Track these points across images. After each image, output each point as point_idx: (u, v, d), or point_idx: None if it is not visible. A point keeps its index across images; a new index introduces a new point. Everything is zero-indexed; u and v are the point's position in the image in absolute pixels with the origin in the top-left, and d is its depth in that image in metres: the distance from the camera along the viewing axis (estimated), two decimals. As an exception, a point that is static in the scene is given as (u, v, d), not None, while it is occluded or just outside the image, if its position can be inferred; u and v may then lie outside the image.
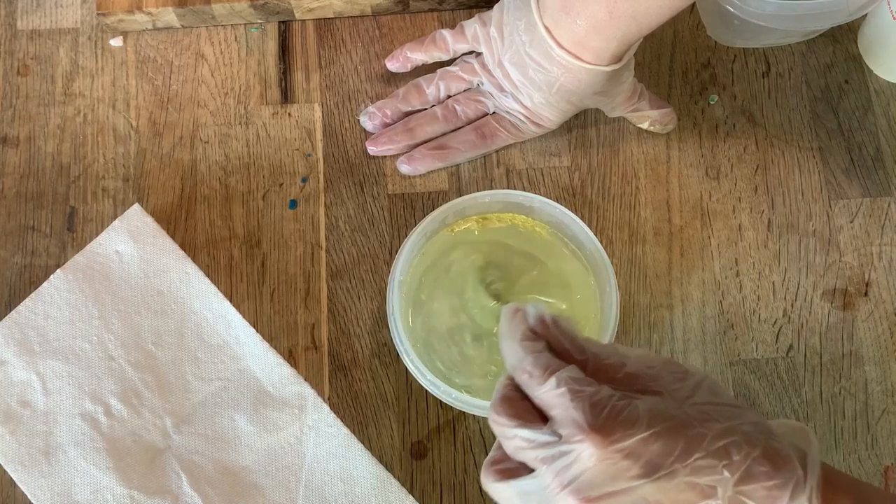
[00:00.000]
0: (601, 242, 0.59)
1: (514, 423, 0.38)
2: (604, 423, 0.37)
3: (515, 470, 0.39)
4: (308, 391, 0.60)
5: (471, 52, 0.66)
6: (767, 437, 0.39)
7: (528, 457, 0.38)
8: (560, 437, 0.37)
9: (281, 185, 0.66)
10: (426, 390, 0.58)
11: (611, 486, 0.36)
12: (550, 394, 0.38)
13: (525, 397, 0.39)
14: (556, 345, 0.40)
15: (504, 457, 0.40)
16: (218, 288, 0.61)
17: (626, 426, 0.37)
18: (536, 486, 0.38)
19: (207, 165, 0.66)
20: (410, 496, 0.58)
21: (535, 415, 0.39)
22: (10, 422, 0.58)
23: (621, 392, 0.38)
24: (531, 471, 0.38)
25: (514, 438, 0.38)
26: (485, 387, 0.58)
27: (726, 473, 0.37)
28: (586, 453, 0.36)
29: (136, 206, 0.62)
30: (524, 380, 0.39)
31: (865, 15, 0.65)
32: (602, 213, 0.65)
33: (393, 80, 0.68)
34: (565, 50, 0.57)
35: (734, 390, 0.62)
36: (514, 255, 0.62)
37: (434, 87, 0.65)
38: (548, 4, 0.57)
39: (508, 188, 0.65)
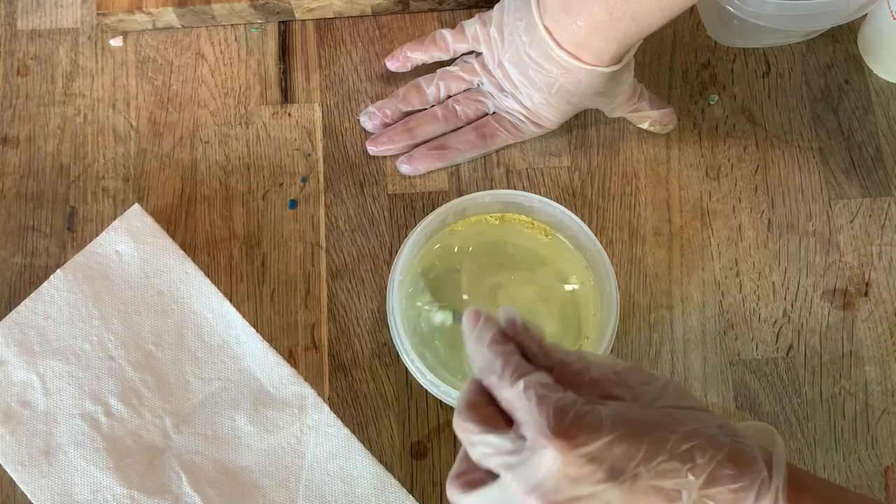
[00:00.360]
0: (601, 242, 0.59)
1: (480, 429, 0.38)
2: (567, 427, 0.36)
3: (480, 480, 0.39)
4: (308, 391, 0.60)
5: (471, 52, 0.66)
6: (733, 440, 0.39)
7: (494, 463, 0.38)
8: (525, 440, 0.37)
9: (281, 185, 0.66)
10: (426, 390, 0.58)
11: (575, 491, 0.36)
12: (517, 397, 0.38)
13: (490, 403, 0.39)
14: (524, 349, 0.40)
15: (468, 468, 0.40)
16: (218, 288, 0.62)
17: (590, 431, 0.37)
18: (501, 494, 0.38)
19: (207, 165, 0.66)
20: (410, 496, 0.58)
21: (500, 420, 0.39)
22: (10, 422, 0.58)
23: (586, 398, 0.38)
24: (496, 480, 0.38)
25: (480, 445, 0.38)
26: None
27: (690, 477, 0.37)
28: (550, 458, 0.36)
29: (136, 206, 0.62)
30: (493, 381, 0.39)
31: (865, 15, 0.65)
32: (602, 213, 0.65)
33: (393, 80, 0.68)
34: (565, 51, 0.57)
35: (734, 390, 0.62)
36: (515, 255, 0.62)
37: (434, 87, 0.65)
38: (548, 5, 0.57)
39: (508, 188, 0.65)
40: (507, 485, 0.38)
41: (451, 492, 0.40)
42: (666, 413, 0.39)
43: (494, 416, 0.39)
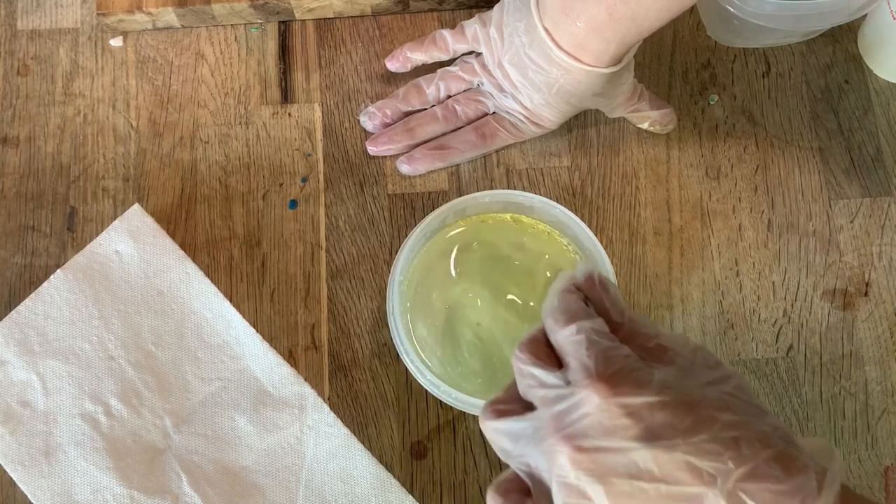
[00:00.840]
0: (601, 242, 0.59)
1: (531, 361, 0.38)
2: (612, 375, 0.36)
3: (513, 411, 0.39)
4: (308, 391, 0.60)
5: (471, 53, 0.66)
6: (786, 443, 0.36)
7: (535, 396, 0.38)
8: (569, 384, 0.37)
9: (281, 185, 0.66)
10: (426, 390, 0.58)
11: (605, 442, 0.35)
12: (568, 339, 0.38)
13: (550, 344, 0.39)
14: (598, 304, 0.40)
15: (507, 399, 0.40)
16: (218, 288, 0.62)
17: (635, 385, 0.36)
18: (531, 427, 0.38)
19: (207, 165, 0.66)
20: (410, 496, 0.58)
21: (554, 360, 0.39)
22: (10, 422, 0.58)
23: (642, 358, 0.37)
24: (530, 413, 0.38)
25: (528, 377, 0.38)
26: (478, 390, 0.58)
27: (731, 464, 0.34)
28: (587, 401, 0.36)
29: (136, 206, 0.62)
30: (549, 324, 0.39)
31: (865, 15, 0.65)
32: (602, 213, 0.65)
33: (393, 80, 0.68)
34: (565, 52, 0.57)
35: (734, 390, 0.62)
36: (514, 255, 0.61)
37: (434, 87, 0.65)
38: (548, 6, 0.57)
39: (508, 188, 0.65)
40: (539, 419, 0.37)
41: (482, 416, 0.40)
42: (721, 397, 0.37)
43: (549, 355, 0.39)
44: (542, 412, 0.37)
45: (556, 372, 0.38)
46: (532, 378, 0.38)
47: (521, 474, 0.38)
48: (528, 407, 0.39)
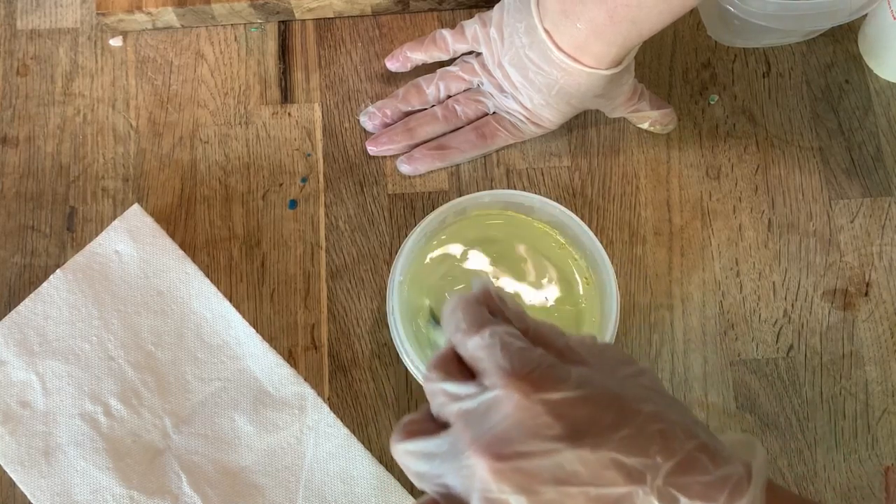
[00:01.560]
0: (601, 242, 0.59)
1: (442, 378, 0.36)
2: (530, 371, 0.34)
3: (425, 430, 0.36)
4: (308, 391, 0.60)
5: (471, 52, 0.66)
6: (708, 435, 0.35)
7: (450, 411, 0.36)
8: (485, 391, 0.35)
9: (281, 185, 0.66)
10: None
11: (527, 446, 0.33)
12: (480, 346, 0.36)
13: (461, 360, 0.37)
14: (499, 315, 0.38)
15: (420, 418, 0.37)
16: (218, 288, 0.61)
17: (555, 381, 0.34)
18: (447, 443, 0.35)
19: (207, 165, 0.66)
20: (410, 496, 0.58)
21: (467, 373, 0.36)
22: (10, 422, 0.58)
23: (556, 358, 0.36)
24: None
25: (440, 394, 0.36)
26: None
27: (658, 459, 0.33)
28: (506, 402, 0.33)
29: (136, 206, 0.62)
30: (458, 338, 0.37)
31: (865, 15, 0.65)
32: (602, 213, 0.65)
33: (393, 80, 0.68)
34: (565, 53, 0.57)
35: (734, 390, 0.62)
36: (515, 255, 0.61)
37: (434, 87, 0.65)
38: (548, 7, 0.57)
39: (508, 188, 0.65)
40: (455, 433, 0.35)
41: (392, 439, 0.37)
42: (640, 390, 0.36)
43: (461, 370, 0.37)
44: (458, 425, 0.35)
45: (469, 382, 0.36)
46: (444, 394, 0.36)
47: (439, 497, 0.35)
48: (443, 427, 0.36)
